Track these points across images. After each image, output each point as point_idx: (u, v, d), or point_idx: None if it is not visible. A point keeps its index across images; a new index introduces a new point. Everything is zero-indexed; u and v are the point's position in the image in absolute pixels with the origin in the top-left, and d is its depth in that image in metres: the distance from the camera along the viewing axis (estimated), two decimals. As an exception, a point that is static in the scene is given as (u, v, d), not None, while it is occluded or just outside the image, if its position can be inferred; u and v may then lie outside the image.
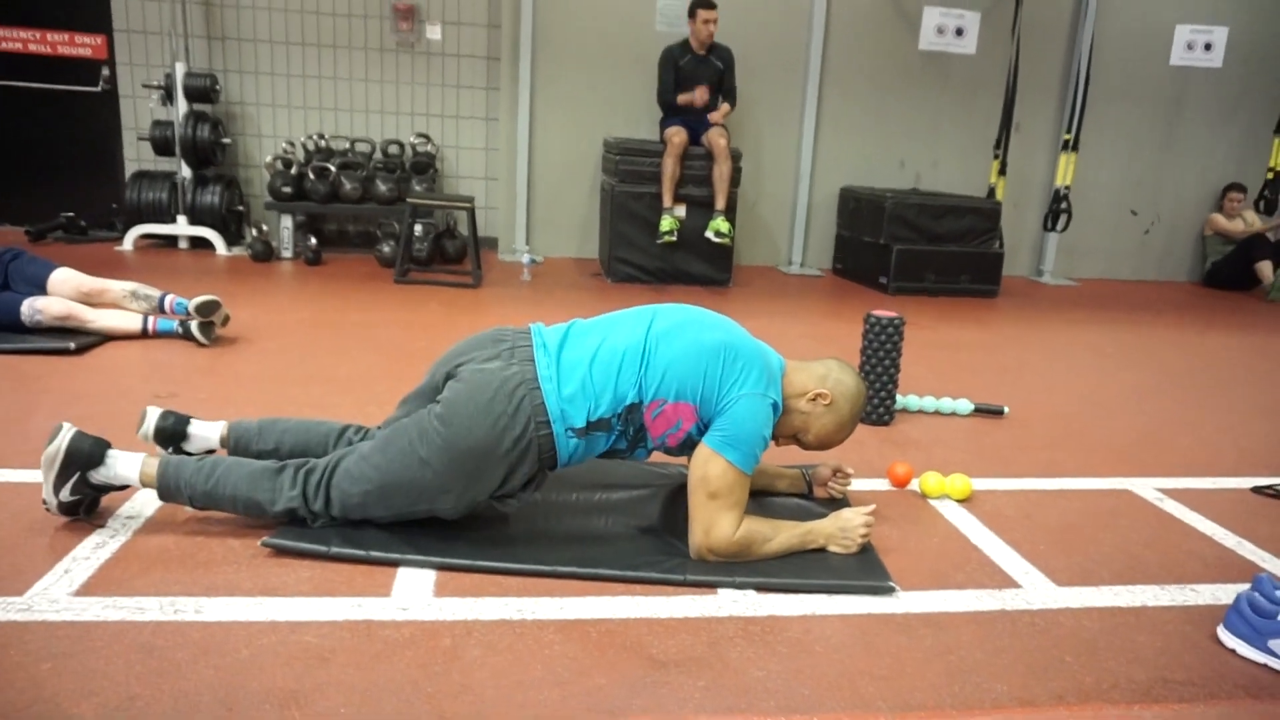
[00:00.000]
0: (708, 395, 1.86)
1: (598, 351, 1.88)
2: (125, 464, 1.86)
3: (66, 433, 1.84)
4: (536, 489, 1.97)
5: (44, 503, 1.87)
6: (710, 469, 1.83)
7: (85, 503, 1.89)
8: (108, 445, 1.87)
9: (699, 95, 5.34)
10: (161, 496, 1.88)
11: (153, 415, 2.15)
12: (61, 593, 1.65)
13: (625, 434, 1.91)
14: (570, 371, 1.85)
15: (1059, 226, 6.43)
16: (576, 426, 1.84)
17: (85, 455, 1.83)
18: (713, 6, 5.36)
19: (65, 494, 1.85)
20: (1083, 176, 6.55)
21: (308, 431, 2.10)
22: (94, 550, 1.81)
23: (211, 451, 2.15)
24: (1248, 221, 6.74)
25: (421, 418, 1.85)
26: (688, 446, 1.94)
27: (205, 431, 2.16)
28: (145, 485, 1.88)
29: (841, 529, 1.96)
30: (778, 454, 2.39)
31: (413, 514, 1.90)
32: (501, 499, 1.91)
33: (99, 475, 1.85)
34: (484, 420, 1.80)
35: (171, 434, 2.14)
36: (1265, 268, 6.43)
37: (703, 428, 1.90)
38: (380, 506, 1.88)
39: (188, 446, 2.16)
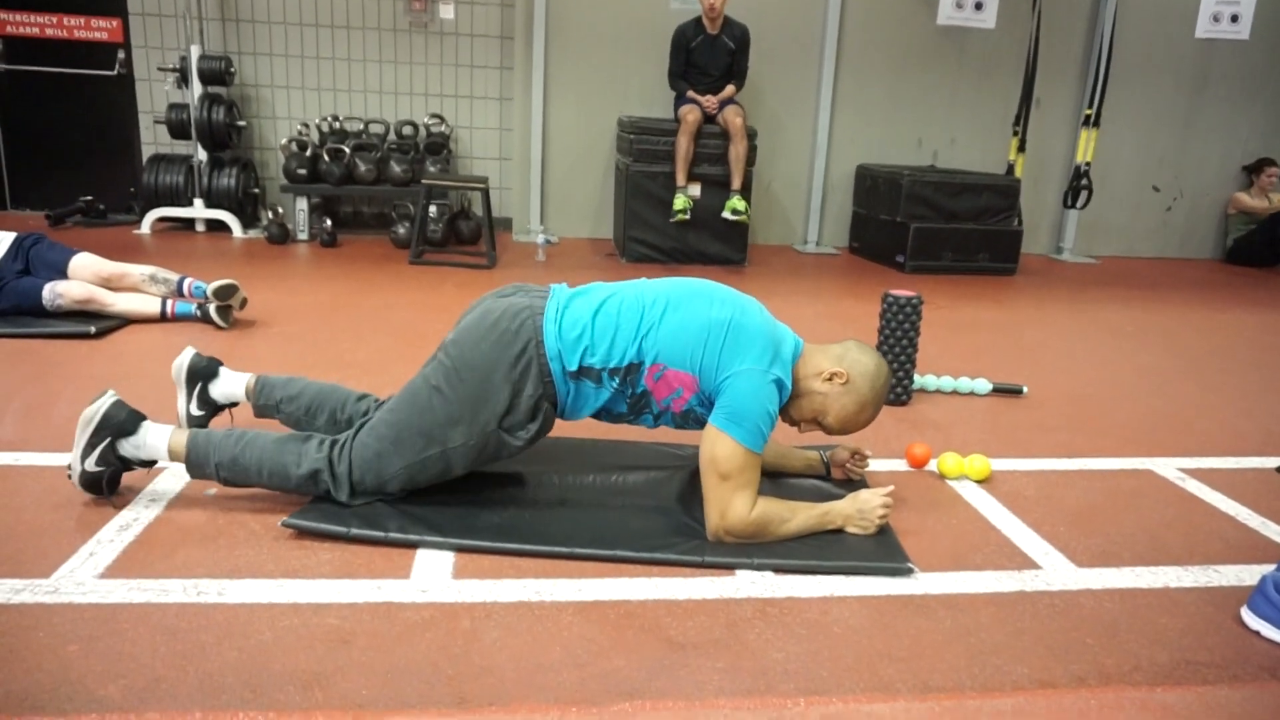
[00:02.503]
0: (707, 368, 1.86)
1: (604, 304, 1.93)
2: (156, 434, 1.91)
3: (107, 398, 1.91)
4: (544, 426, 1.95)
5: (68, 470, 1.91)
6: (718, 449, 1.83)
7: (107, 476, 1.90)
8: (143, 418, 1.93)
9: (707, 104, 5.30)
10: (190, 468, 1.91)
11: (189, 351, 2.28)
12: (87, 575, 1.67)
13: (623, 394, 1.92)
14: (574, 318, 1.90)
15: (1079, 204, 6.35)
16: (570, 370, 1.88)
17: (119, 423, 1.89)
18: None
19: (90, 463, 1.88)
20: (1104, 153, 6.45)
21: (332, 389, 2.20)
22: (118, 533, 1.83)
23: (235, 404, 2.28)
24: (1271, 201, 6.64)
25: (435, 356, 1.93)
26: (690, 419, 1.95)
27: (233, 377, 2.27)
28: (173, 457, 1.91)
29: (859, 510, 1.96)
30: (797, 436, 2.39)
31: (426, 463, 1.90)
32: (511, 430, 1.90)
33: (128, 446, 1.90)
34: (489, 337, 1.87)
35: (204, 371, 2.27)
36: (1290, 244, 6.35)
37: (705, 401, 1.90)
38: (395, 455, 1.89)
39: (214, 388, 2.26)
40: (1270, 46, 6.61)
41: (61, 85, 5.83)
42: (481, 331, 1.89)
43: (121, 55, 5.76)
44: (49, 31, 5.73)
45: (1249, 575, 1.91)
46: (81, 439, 1.88)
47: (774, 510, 1.89)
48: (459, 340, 1.91)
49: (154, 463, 1.95)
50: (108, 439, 1.88)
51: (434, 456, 1.90)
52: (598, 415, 2.01)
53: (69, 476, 1.91)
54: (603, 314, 1.91)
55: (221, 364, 2.30)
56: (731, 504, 1.84)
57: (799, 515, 1.92)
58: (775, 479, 2.22)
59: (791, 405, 2.00)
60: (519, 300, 1.93)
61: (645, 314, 1.90)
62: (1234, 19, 6.49)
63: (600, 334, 1.88)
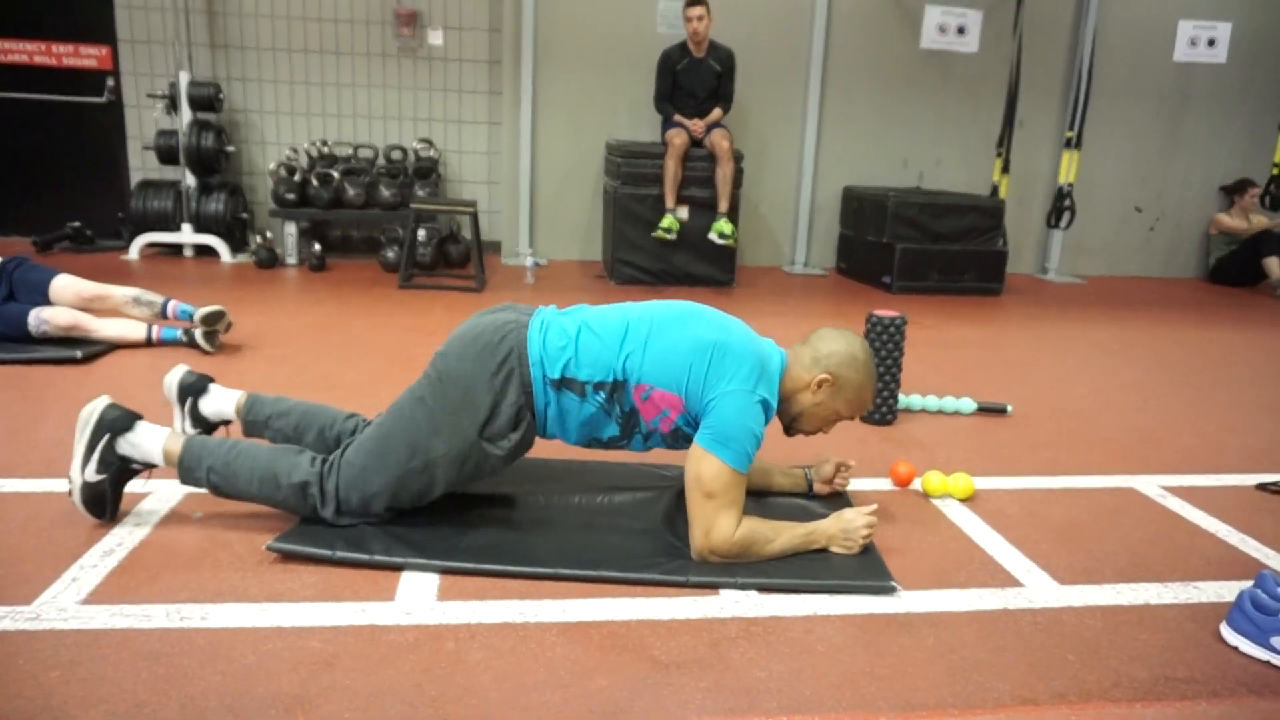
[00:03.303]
0: (693, 390, 1.88)
1: (588, 322, 1.96)
2: (150, 435, 1.94)
3: (102, 400, 1.96)
4: (525, 438, 1.96)
5: (69, 487, 1.92)
6: (704, 469, 1.84)
7: (109, 486, 1.93)
8: (139, 416, 1.97)
9: (695, 128, 5.35)
10: (182, 471, 1.93)
11: (181, 368, 2.32)
12: (69, 601, 1.66)
13: (610, 413, 1.93)
14: (559, 331, 1.93)
15: (1063, 224, 6.42)
16: (552, 377, 1.89)
17: (115, 419, 1.93)
18: (699, 3, 5.32)
19: (91, 471, 1.90)
20: (1086, 173, 6.54)
21: (321, 408, 2.22)
22: (101, 558, 1.82)
23: (227, 423, 2.29)
24: (1251, 222, 6.72)
25: (424, 372, 1.97)
26: (679, 438, 1.96)
27: (224, 394, 2.29)
28: (167, 460, 1.93)
29: (844, 530, 1.97)
30: (790, 451, 2.40)
31: (409, 477, 1.91)
32: (492, 439, 1.91)
33: (126, 444, 1.93)
34: (472, 348, 1.91)
35: (195, 387, 2.29)
36: (1273, 263, 6.40)
37: (691, 422, 1.92)
38: (379, 470, 1.90)
39: (204, 404, 2.27)
40: (1247, 70, 6.73)
41: (50, 112, 5.85)
42: (466, 343, 1.93)
43: (110, 82, 5.79)
44: (38, 59, 5.75)
45: (1228, 592, 1.92)
46: (81, 441, 1.91)
47: (759, 530, 1.90)
48: (445, 352, 1.95)
49: (151, 466, 1.97)
50: (107, 436, 1.91)
51: (416, 470, 1.91)
52: (589, 443, 2.02)
53: (69, 494, 1.93)
54: (586, 330, 1.94)
55: (212, 380, 2.32)
56: (716, 523, 1.85)
57: (783, 535, 1.93)
58: (759, 497, 2.23)
59: (802, 423, 2.04)
60: (505, 315, 1.97)
61: (630, 334, 1.92)
62: (1211, 43, 6.60)
63: (584, 349, 1.91)
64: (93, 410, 1.93)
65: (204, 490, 1.97)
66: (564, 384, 1.90)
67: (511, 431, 1.92)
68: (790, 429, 2.08)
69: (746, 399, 1.87)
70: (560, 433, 1.99)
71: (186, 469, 1.93)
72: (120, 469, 1.95)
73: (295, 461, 1.93)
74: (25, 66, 5.75)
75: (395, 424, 1.93)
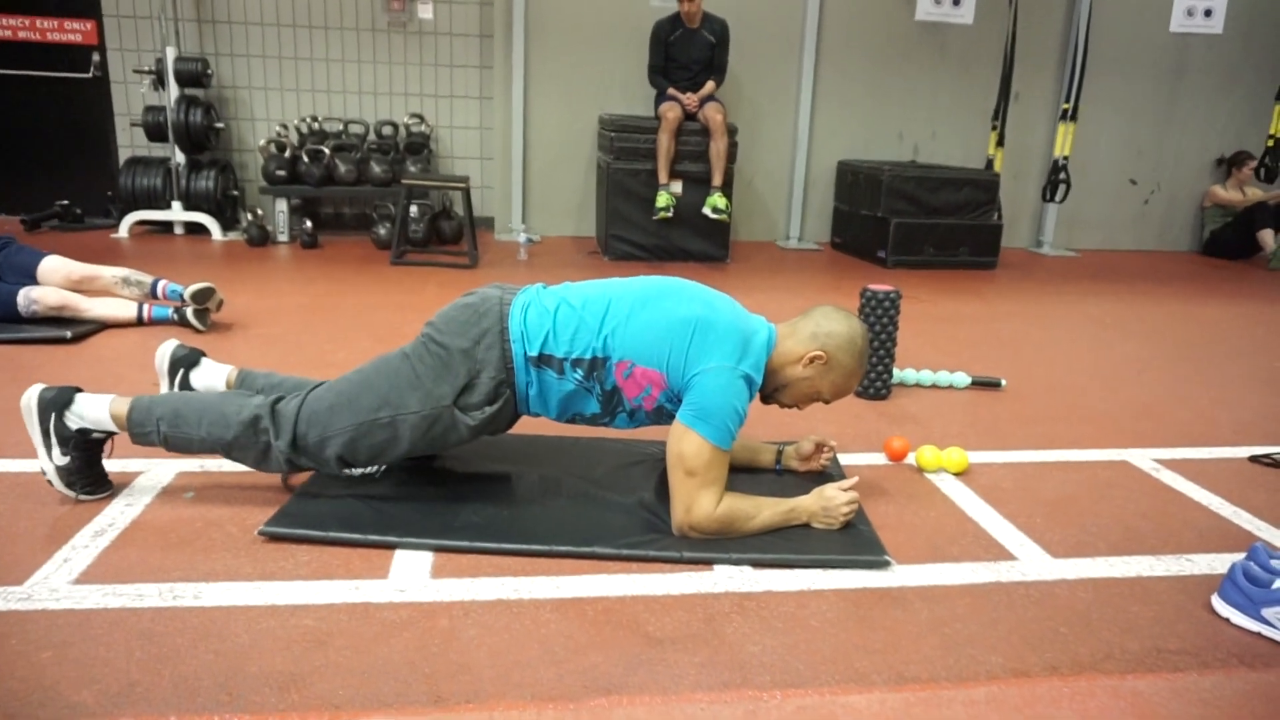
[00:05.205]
0: (674, 366, 1.87)
1: (569, 298, 1.96)
2: (93, 404, 1.92)
3: (35, 387, 1.93)
4: (502, 413, 1.94)
5: (44, 478, 1.92)
6: (685, 446, 1.84)
7: (79, 458, 1.92)
8: (76, 390, 1.94)
9: (688, 102, 5.30)
10: (133, 428, 1.91)
11: (172, 342, 2.32)
12: (61, 581, 1.66)
13: (590, 390, 1.92)
14: (540, 308, 1.93)
15: (1058, 197, 6.39)
16: (531, 354, 1.89)
17: (53, 399, 1.91)
18: None
19: (57, 455, 1.91)
20: (1082, 146, 6.50)
21: (312, 381, 2.19)
22: (93, 539, 1.82)
23: None
24: (1246, 194, 6.70)
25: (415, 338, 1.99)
26: (663, 415, 1.96)
27: (215, 368, 2.29)
28: (117, 422, 1.92)
29: (824, 507, 1.96)
30: (778, 428, 2.40)
31: (373, 428, 1.88)
32: (466, 409, 1.90)
33: (73, 417, 1.91)
34: (457, 321, 1.93)
35: (187, 360, 2.28)
36: (1267, 236, 6.40)
37: (674, 398, 1.91)
38: (347, 411, 1.89)
39: (195, 377, 2.27)
40: (1243, 40, 6.68)
41: (35, 88, 5.77)
42: (452, 316, 1.95)
43: (96, 57, 5.71)
44: (21, 34, 5.67)
45: (1220, 564, 1.93)
46: (34, 429, 1.90)
47: (739, 507, 1.89)
48: (434, 322, 1.97)
49: (110, 434, 1.95)
50: (52, 415, 1.90)
51: (383, 422, 1.89)
52: (572, 419, 2.01)
53: (49, 483, 1.92)
54: (566, 307, 1.93)
55: (204, 354, 2.32)
56: (697, 500, 1.85)
57: (765, 512, 1.93)
58: (745, 474, 2.22)
59: (783, 394, 2.02)
60: (492, 292, 1.99)
61: (611, 310, 1.91)
62: (1207, 13, 6.55)
63: (562, 325, 1.90)
64: (30, 398, 1.91)
65: (160, 447, 1.94)
66: (543, 360, 1.90)
67: (487, 405, 1.91)
68: (768, 399, 2.06)
69: (729, 375, 1.85)
70: (542, 409, 1.98)
71: (137, 424, 1.91)
72: (82, 441, 1.93)
73: (245, 401, 1.92)
74: (9, 41, 5.67)
75: (375, 373, 1.94)
